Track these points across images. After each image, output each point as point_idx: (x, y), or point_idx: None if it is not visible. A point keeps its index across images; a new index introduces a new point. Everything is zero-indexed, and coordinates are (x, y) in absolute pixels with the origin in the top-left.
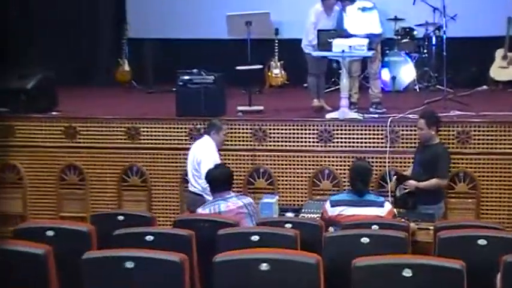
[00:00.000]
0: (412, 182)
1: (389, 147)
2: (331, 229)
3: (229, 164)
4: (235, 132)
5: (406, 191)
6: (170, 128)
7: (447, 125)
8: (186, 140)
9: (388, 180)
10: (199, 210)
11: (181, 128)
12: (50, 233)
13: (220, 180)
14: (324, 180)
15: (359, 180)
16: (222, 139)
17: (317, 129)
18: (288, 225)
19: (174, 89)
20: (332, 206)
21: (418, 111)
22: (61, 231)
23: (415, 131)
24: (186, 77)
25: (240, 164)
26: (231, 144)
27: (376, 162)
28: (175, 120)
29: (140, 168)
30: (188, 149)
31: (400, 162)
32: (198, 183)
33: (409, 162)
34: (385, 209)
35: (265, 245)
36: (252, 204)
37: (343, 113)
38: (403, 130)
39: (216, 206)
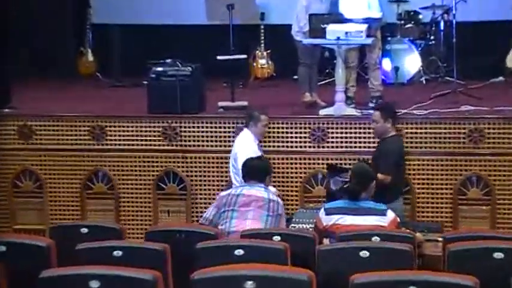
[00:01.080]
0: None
1: None
2: (326, 241)
3: (210, 167)
4: (215, 132)
5: (347, 185)
6: (141, 127)
7: (457, 122)
8: (159, 140)
9: None
10: (221, 194)
11: (153, 127)
12: (2, 248)
13: (254, 170)
14: (317, 186)
15: (356, 183)
16: (262, 131)
17: (309, 128)
18: (277, 238)
19: (145, 82)
20: (327, 214)
21: (425, 106)
22: (15, 247)
23: (421, 129)
24: (159, 69)
25: (222, 168)
26: (211, 145)
27: None
28: (146, 118)
29: (107, 174)
30: (162, 150)
31: (405, 164)
32: (236, 181)
33: (418, 165)
34: (388, 218)
35: (251, 260)
36: (277, 204)
37: (338, 109)
38: (407, 128)
39: (239, 189)
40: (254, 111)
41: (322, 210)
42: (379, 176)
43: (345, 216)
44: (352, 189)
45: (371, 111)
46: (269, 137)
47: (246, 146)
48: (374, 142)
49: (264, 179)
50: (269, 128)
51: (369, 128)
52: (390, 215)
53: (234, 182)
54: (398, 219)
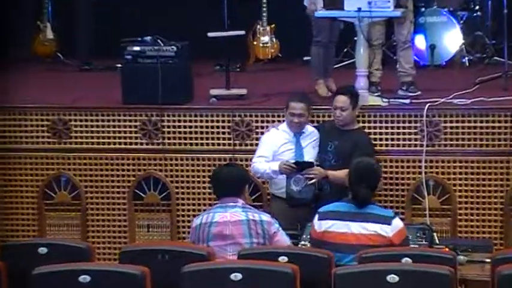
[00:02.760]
0: (319, 170)
1: (427, 145)
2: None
3: (200, 172)
4: (207, 127)
5: (311, 182)
6: (114, 121)
7: (509, 114)
8: (136, 138)
9: (425, 193)
10: (194, 223)
11: (129, 122)
12: None
13: (226, 183)
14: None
15: (362, 186)
16: (288, 120)
17: (323, 121)
18: (283, 258)
19: (118, 66)
20: (320, 219)
21: (469, 94)
22: None
23: (463, 123)
24: (136, 48)
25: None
26: (201, 144)
27: (408, 167)
28: (120, 110)
29: (71, 179)
30: (140, 150)
31: (443, 167)
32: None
33: (460, 167)
34: (393, 227)
35: (251, 286)
36: (260, 223)
37: (360, 98)
38: (445, 122)
39: (210, 214)
40: (289, 95)
41: (316, 215)
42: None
43: (339, 222)
44: (362, 196)
45: (402, 101)
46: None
47: (263, 139)
48: (404, 139)
49: (240, 192)
50: (272, 121)
51: (398, 121)
52: (397, 223)
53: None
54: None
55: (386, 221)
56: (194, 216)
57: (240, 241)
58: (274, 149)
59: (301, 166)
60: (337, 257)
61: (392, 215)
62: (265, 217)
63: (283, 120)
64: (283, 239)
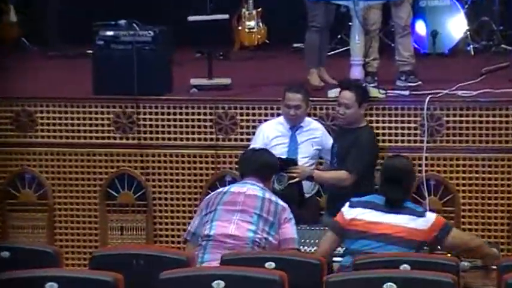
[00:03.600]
0: (303, 168)
1: (428, 141)
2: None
3: (179, 169)
4: (187, 120)
5: (294, 181)
6: (85, 113)
7: None
8: (109, 132)
9: (426, 194)
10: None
11: (101, 114)
12: None
13: (253, 164)
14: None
15: (396, 187)
16: (284, 113)
17: (314, 115)
18: (270, 264)
19: (90, 52)
20: (350, 206)
21: (474, 86)
22: None
23: (468, 117)
24: (109, 33)
25: (196, 169)
26: (180, 139)
27: None
28: (92, 101)
29: (36, 177)
30: (113, 145)
31: (445, 165)
32: None
33: (464, 166)
34: (429, 220)
35: None
36: (275, 205)
37: None
38: (448, 115)
39: (227, 187)
40: (286, 86)
41: (346, 204)
42: (342, 172)
43: (372, 211)
44: (393, 198)
45: (400, 92)
46: (254, 127)
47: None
48: (403, 134)
49: (266, 178)
50: (259, 114)
51: (397, 115)
52: (431, 216)
53: None
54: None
55: (420, 214)
56: (172, 218)
57: (250, 210)
58: (265, 141)
59: (283, 163)
60: (361, 243)
61: (424, 209)
62: (282, 203)
63: (278, 114)
64: (291, 230)
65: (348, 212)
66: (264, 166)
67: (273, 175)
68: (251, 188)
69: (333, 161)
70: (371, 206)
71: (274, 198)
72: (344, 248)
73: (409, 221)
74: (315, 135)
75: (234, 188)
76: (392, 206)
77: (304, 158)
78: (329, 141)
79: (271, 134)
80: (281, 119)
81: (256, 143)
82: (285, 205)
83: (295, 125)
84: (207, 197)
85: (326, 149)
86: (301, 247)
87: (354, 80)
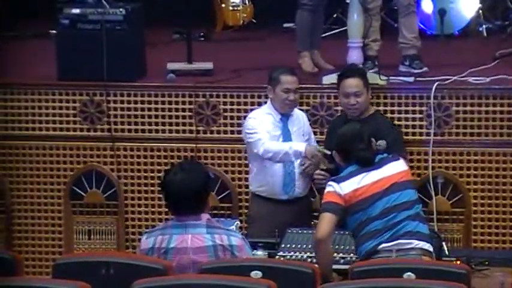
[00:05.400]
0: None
1: (435, 134)
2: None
3: (155, 165)
4: (163, 110)
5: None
6: (47, 101)
7: None
8: (75, 122)
9: (433, 193)
10: (143, 239)
11: (66, 102)
12: None
13: (181, 196)
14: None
15: (364, 148)
16: (281, 98)
17: (307, 104)
18: (257, 273)
19: (53, 32)
20: (338, 182)
21: (487, 71)
22: None
23: (479, 105)
24: (75, 11)
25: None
26: (156, 131)
27: (411, 160)
28: (55, 87)
29: None
30: (80, 138)
31: (454, 161)
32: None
33: (475, 162)
34: (402, 161)
35: None
36: (230, 248)
37: None
38: (458, 104)
39: (166, 236)
40: (274, 70)
41: (333, 183)
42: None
43: (363, 175)
44: (364, 158)
45: (404, 79)
46: (238, 117)
47: (249, 124)
48: (407, 125)
49: (202, 208)
50: (244, 103)
51: (400, 104)
52: (401, 160)
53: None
54: None
55: (394, 158)
56: (147, 220)
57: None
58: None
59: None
60: (381, 204)
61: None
62: (236, 240)
63: (265, 102)
64: None
65: (341, 188)
66: (194, 195)
67: (208, 198)
68: (195, 234)
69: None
70: (357, 173)
71: (225, 238)
72: (355, 226)
73: (397, 166)
74: (302, 123)
75: (176, 241)
76: (370, 164)
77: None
78: (310, 127)
79: (267, 126)
80: (267, 109)
81: (262, 132)
82: (240, 241)
83: (287, 113)
84: (143, 248)
85: (311, 137)
86: (292, 253)
87: (354, 65)
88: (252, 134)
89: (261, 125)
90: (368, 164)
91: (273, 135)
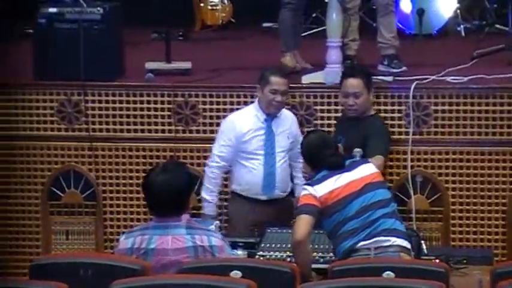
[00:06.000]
0: None
1: (414, 133)
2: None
3: (133, 165)
4: (142, 110)
5: None
6: (24, 101)
7: (511, 94)
8: (52, 123)
9: (412, 192)
10: (121, 239)
11: (43, 102)
12: None
13: (163, 197)
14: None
15: (332, 154)
16: (268, 99)
17: (287, 104)
18: (237, 273)
19: (29, 31)
20: (313, 185)
21: (465, 71)
22: None
23: (457, 105)
24: (52, 10)
25: (152, 165)
26: (134, 130)
27: (390, 160)
28: (32, 87)
29: None
30: (57, 138)
31: (433, 160)
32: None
33: (454, 160)
34: (372, 164)
35: None
36: (210, 249)
37: (332, 75)
38: (437, 104)
39: (146, 237)
40: (266, 70)
41: (307, 186)
42: (380, 159)
43: (337, 176)
44: (334, 162)
45: (383, 78)
46: (218, 117)
47: (222, 127)
48: (389, 126)
49: (183, 208)
50: (224, 103)
51: (379, 104)
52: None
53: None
54: None
55: (364, 161)
56: (125, 220)
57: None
58: (238, 135)
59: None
60: (357, 203)
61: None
62: (216, 240)
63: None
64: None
65: (316, 191)
66: (175, 195)
67: (189, 198)
68: (176, 235)
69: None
70: (330, 175)
71: (205, 239)
72: (332, 226)
73: (368, 168)
74: (288, 125)
75: (156, 241)
76: (341, 167)
77: (281, 152)
78: (299, 132)
79: (245, 127)
80: (252, 109)
81: (227, 137)
82: (220, 241)
83: (272, 114)
84: (121, 247)
85: (297, 141)
86: (272, 252)
87: (357, 65)
88: (218, 140)
89: (235, 128)
90: (339, 167)
91: (257, 135)
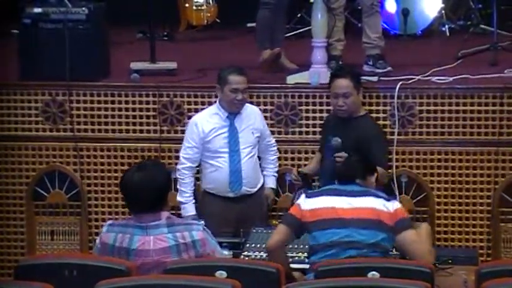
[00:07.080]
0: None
1: (399, 133)
2: (298, 275)
3: (118, 165)
4: (127, 110)
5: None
6: (9, 101)
7: (499, 94)
8: (37, 123)
9: (397, 192)
10: (104, 230)
11: (28, 102)
12: None
13: (140, 195)
14: (284, 192)
15: (348, 167)
16: (229, 98)
17: (271, 104)
18: (221, 273)
19: (14, 31)
20: (308, 197)
21: (450, 71)
22: None
23: (442, 105)
24: (37, 10)
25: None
26: (119, 131)
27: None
28: (17, 87)
29: None
30: (42, 138)
31: (418, 160)
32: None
33: (439, 161)
34: (394, 205)
35: None
36: (192, 244)
37: (316, 75)
38: (422, 104)
39: (127, 236)
40: (223, 70)
41: (303, 195)
42: (382, 170)
43: (334, 197)
44: (344, 173)
45: (368, 79)
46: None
47: (186, 129)
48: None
49: (161, 206)
50: (209, 103)
51: (364, 104)
52: (397, 203)
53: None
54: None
55: (385, 198)
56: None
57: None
58: (201, 135)
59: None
60: (332, 233)
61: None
62: (198, 234)
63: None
64: (215, 250)
65: (305, 203)
66: (153, 194)
67: (167, 196)
68: (157, 235)
69: (328, 155)
70: (330, 193)
71: (187, 235)
72: (310, 245)
73: (372, 202)
74: (253, 121)
75: (137, 242)
76: (347, 182)
77: (246, 148)
78: (266, 125)
79: (207, 127)
80: (214, 109)
81: (192, 138)
82: (202, 234)
83: (234, 112)
84: (102, 247)
85: (264, 135)
86: (257, 252)
87: (346, 66)
88: (183, 142)
89: (197, 129)
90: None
91: (220, 133)
